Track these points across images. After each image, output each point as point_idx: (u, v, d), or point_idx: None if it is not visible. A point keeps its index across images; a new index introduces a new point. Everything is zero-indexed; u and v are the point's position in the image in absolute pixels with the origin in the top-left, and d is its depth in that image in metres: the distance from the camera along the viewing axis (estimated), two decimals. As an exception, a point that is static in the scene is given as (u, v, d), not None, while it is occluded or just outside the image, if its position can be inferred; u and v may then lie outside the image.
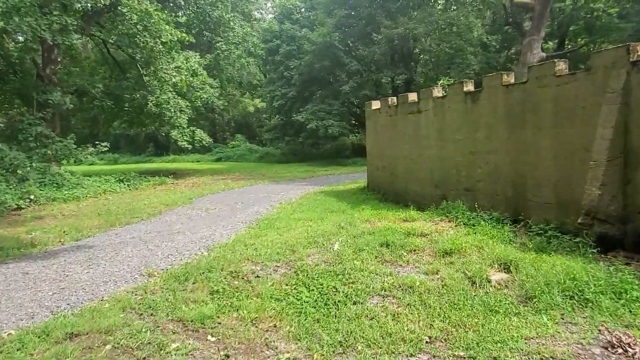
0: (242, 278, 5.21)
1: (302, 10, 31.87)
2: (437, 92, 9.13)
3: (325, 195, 12.38)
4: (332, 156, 31.13)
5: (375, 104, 12.14)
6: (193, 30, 27.35)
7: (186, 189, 15.82)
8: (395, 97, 11.27)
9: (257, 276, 5.23)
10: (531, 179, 6.56)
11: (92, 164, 41.42)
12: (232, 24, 22.97)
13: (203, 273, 5.36)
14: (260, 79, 38.26)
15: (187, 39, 15.47)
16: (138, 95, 17.31)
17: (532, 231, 5.89)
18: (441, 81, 11.09)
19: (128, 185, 15.85)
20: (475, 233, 6.01)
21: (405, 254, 5.52)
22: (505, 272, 4.66)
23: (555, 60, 6.10)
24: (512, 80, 7.07)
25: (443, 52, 23.55)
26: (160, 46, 15.76)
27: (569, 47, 26.81)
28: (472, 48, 24.86)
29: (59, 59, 16.80)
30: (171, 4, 24.01)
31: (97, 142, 15.16)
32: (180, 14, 27.19)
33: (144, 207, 11.15)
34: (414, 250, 5.60)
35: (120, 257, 6.59)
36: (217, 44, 22.68)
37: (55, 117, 15.94)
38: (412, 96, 10.18)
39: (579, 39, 28.56)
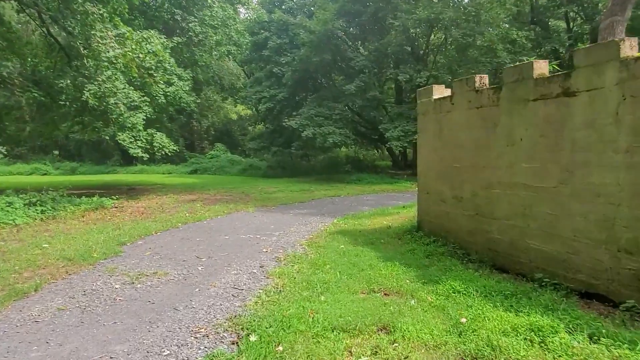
0: None
1: (296, -3, 27.09)
2: (631, 47, 4.27)
3: (352, 242, 7.34)
4: (327, 171, 25.98)
5: (440, 90, 7.23)
6: (165, 15, 22.35)
7: (129, 218, 10.54)
8: (485, 76, 6.39)
9: None
10: None
11: (45, 174, 35.39)
12: (209, 1, 17.96)
13: None
14: (245, 82, 33.10)
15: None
16: (69, 82, 12.00)
17: None
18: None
19: (42, 211, 10.46)
20: None
21: None
22: None
23: None
24: None
25: (475, 45, 18.99)
26: (100, 7, 10.67)
27: None
28: (502, 45, 20.45)
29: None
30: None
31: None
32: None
33: (18, 268, 5.86)
34: None
35: None
36: (190, 24, 17.56)
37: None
38: (541, 66, 5.30)
39: None
